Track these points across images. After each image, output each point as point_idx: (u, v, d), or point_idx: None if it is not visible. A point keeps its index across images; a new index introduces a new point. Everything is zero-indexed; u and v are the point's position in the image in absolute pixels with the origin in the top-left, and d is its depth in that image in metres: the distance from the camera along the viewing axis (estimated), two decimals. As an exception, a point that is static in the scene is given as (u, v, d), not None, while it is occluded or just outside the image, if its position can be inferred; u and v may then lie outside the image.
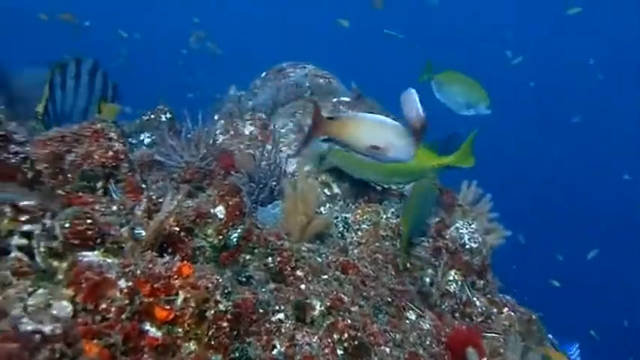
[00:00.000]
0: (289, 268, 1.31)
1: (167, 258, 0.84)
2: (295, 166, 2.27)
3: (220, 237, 1.03)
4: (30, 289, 0.73)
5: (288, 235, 1.80)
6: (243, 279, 1.22)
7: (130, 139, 2.97)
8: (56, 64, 2.28)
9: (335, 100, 2.56)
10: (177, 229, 0.99)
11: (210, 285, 0.82)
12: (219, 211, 1.04)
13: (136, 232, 0.90)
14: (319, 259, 1.52)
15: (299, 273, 1.32)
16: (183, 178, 2.11)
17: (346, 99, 2.56)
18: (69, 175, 1.11)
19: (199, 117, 2.57)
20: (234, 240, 1.07)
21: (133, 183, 1.16)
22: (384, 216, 1.97)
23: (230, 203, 1.06)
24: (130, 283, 0.75)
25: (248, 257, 1.22)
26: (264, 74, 3.76)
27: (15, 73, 4.39)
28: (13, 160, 0.87)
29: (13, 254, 0.77)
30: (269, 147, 2.39)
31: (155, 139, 3.04)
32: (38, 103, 2.25)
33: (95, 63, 2.35)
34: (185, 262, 0.85)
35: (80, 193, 1.09)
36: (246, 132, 2.54)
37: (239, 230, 1.07)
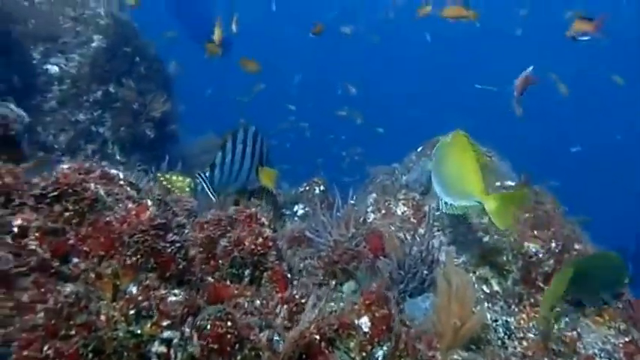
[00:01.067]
0: (440, 385, 1.14)
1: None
2: (450, 254, 2.09)
3: (364, 354, 0.92)
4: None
5: (439, 337, 1.62)
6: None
7: (284, 210, 3.06)
8: (228, 132, 2.47)
9: (498, 184, 2.35)
10: (318, 337, 0.91)
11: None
12: (364, 323, 0.94)
13: (275, 339, 0.83)
14: (474, 374, 1.32)
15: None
16: (330, 258, 2.06)
17: (510, 183, 2.33)
18: (220, 262, 1.10)
19: (350, 193, 2.56)
20: (379, 359, 0.95)
21: (280, 272, 1.12)
22: (556, 326, 1.68)
23: (377, 315, 0.95)
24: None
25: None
26: (420, 148, 3.67)
27: (185, 140, 4.90)
28: (169, 250, 0.88)
29: (152, 362, 0.74)
30: (421, 231, 2.26)
31: (308, 212, 3.10)
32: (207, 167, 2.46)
33: (256, 130, 2.48)
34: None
35: (228, 282, 1.06)
36: (399, 212, 2.44)
37: (385, 348, 0.95)
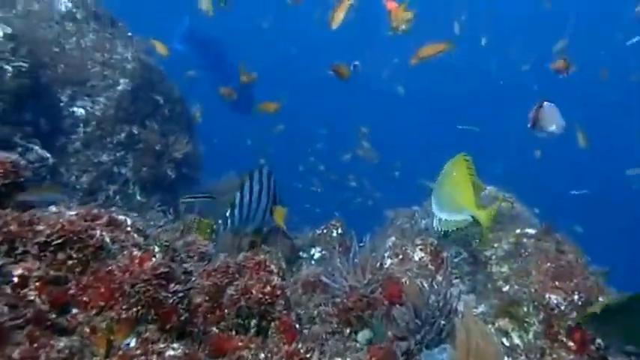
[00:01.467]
0: None
1: None
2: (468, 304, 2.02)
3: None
4: None
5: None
6: None
7: (301, 253, 3.03)
8: (246, 173, 2.53)
9: (518, 231, 2.29)
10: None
11: None
12: (372, 381, 0.89)
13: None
14: None
15: None
16: (345, 305, 2.01)
17: (531, 231, 2.27)
18: (226, 311, 1.07)
19: (367, 238, 2.52)
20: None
21: (287, 323, 1.09)
22: (579, 384, 1.59)
23: (385, 373, 0.90)
24: None
25: None
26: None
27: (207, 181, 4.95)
28: (171, 300, 0.86)
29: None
30: (439, 278, 2.20)
31: (325, 255, 3.06)
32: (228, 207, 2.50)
33: (270, 170, 2.56)
34: None
35: (233, 333, 1.03)
36: (416, 258, 2.39)
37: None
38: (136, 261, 0.85)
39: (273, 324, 1.09)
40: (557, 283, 1.94)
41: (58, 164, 3.42)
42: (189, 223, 2.91)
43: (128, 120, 3.95)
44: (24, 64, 3.22)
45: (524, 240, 2.21)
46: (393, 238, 2.82)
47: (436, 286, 2.09)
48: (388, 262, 2.45)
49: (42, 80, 3.49)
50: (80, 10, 4.17)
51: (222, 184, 5.00)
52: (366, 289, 2.14)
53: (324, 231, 3.11)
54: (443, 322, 1.93)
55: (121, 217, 1.07)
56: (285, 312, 1.15)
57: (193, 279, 1.10)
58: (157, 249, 1.06)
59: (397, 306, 1.99)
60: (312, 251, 3.04)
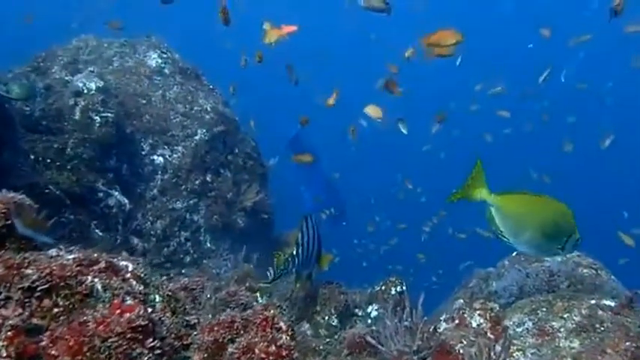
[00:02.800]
0: None
1: None
2: (529, 383, 1.79)
3: None
4: None
5: None
6: None
7: (357, 310, 2.90)
8: (303, 217, 2.58)
9: (593, 302, 2.02)
10: None
11: None
12: None
13: None
14: None
15: None
16: (387, 372, 1.86)
17: (609, 303, 2.00)
18: (224, 371, 1.01)
19: (421, 300, 2.34)
20: None
21: (293, 389, 1.00)
22: None
23: None
24: None
25: None
26: (514, 253, 3.37)
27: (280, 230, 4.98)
28: (146, 358, 0.81)
29: None
30: (498, 349, 1.98)
31: (382, 314, 2.91)
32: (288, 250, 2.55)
33: (317, 219, 2.60)
34: None
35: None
36: (474, 324, 2.18)
37: None
38: (116, 311, 0.82)
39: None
40: (636, 366, 1.67)
41: (136, 210, 3.60)
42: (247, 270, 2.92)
43: (203, 168, 4.12)
44: (111, 115, 3.49)
45: (600, 312, 1.94)
46: (461, 301, 2.63)
47: (494, 357, 1.89)
48: (443, 326, 2.26)
49: (127, 130, 3.75)
50: (168, 65, 4.50)
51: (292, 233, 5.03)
52: (415, 355, 1.98)
53: (383, 288, 2.97)
54: (497, 401, 1.72)
55: (122, 263, 1.06)
56: (291, 376, 1.07)
57: (195, 333, 1.06)
58: (157, 298, 1.03)
59: (445, 378, 1.81)
60: (369, 309, 2.90)
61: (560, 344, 1.88)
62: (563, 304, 2.07)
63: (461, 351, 2.02)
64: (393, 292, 2.91)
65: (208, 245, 4.06)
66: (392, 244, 9.83)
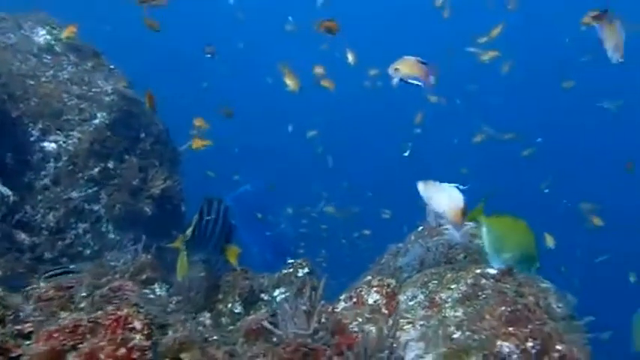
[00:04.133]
0: None
1: None
2: (416, 354, 1.84)
3: None
4: None
5: None
6: None
7: (263, 295, 2.87)
8: (204, 199, 2.55)
9: (478, 271, 2.11)
10: None
11: None
12: None
13: None
14: None
15: None
16: (280, 356, 1.84)
17: (492, 271, 2.09)
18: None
19: (322, 283, 2.32)
20: None
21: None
22: None
23: None
24: None
25: None
26: (420, 228, 3.47)
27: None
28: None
29: None
30: (390, 323, 2.02)
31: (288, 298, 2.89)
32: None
33: (226, 205, 2.56)
34: None
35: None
36: (370, 301, 2.21)
37: None
38: None
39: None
40: (511, 329, 1.75)
41: (23, 202, 3.34)
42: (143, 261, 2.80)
43: (104, 155, 3.89)
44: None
45: (483, 281, 2.03)
46: (369, 278, 2.65)
47: (386, 332, 1.92)
48: (342, 305, 2.28)
49: (11, 114, 3.45)
50: (59, 43, 4.17)
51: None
52: (311, 337, 1.97)
53: (290, 270, 2.96)
54: (386, 375, 1.75)
55: None
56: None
57: (27, 342, 0.97)
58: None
59: (335, 357, 1.81)
60: (276, 292, 2.87)
61: (447, 314, 1.95)
62: (451, 276, 2.15)
63: (355, 329, 2.04)
64: (299, 274, 2.91)
65: (112, 236, 3.86)
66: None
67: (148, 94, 3.77)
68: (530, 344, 1.70)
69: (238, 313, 2.58)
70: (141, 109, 4.38)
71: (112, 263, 3.20)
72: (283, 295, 2.84)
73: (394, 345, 1.83)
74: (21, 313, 1.04)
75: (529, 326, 1.74)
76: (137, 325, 1.04)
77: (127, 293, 1.82)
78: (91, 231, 3.68)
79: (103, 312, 1.04)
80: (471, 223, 3.06)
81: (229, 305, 2.58)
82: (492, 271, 2.08)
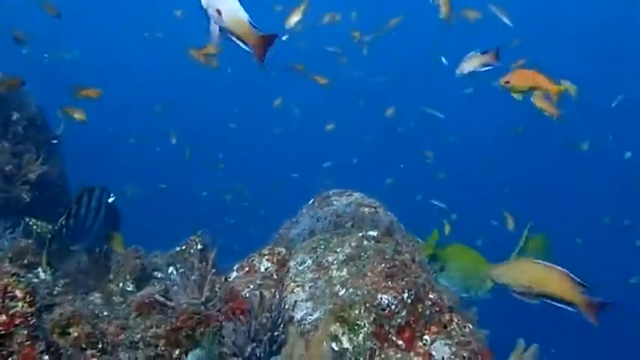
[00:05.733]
0: None
1: None
2: (305, 312, 1.96)
3: None
4: None
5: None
6: None
7: (156, 273, 2.85)
8: (83, 188, 2.48)
9: (361, 234, 2.28)
10: None
11: None
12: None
13: None
14: None
15: None
16: (173, 324, 1.88)
17: (373, 233, 2.27)
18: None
19: (212, 253, 2.37)
20: None
21: (31, 355, 0.94)
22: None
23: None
24: None
25: None
26: (311, 201, 3.61)
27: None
28: None
29: None
30: (281, 287, 2.13)
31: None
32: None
33: (107, 192, 2.52)
34: None
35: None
36: (262, 269, 2.31)
37: None
38: None
39: (10, 359, 0.94)
40: (389, 283, 1.93)
41: None
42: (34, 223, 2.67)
43: (-30, 140, 3.57)
44: None
45: (365, 242, 2.20)
46: (267, 249, 2.72)
47: (275, 297, 2.03)
48: (234, 275, 2.35)
49: None
50: None
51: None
52: (203, 306, 2.02)
53: (184, 247, 2.96)
54: (276, 334, 1.86)
55: None
56: (28, 343, 1.01)
57: None
58: None
59: (224, 323, 1.89)
60: (170, 269, 2.87)
61: (333, 274, 2.09)
62: (337, 240, 2.30)
63: (247, 295, 2.12)
64: (192, 250, 2.92)
65: (-13, 224, 3.57)
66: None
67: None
68: (406, 295, 1.90)
69: (131, 292, 2.54)
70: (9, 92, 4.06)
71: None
72: (177, 272, 2.84)
73: (284, 306, 1.94)
74: None
75: (405, 279, 1.94)
76: (18, 293, 1.04)
77: (3, 278, 1.75)
78: (-37, 220, 3.38)
79: (-20, 282, 1.03)
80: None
81: (121, 284, 2.54)
82: (374, 233, 2.26)
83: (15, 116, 4.05)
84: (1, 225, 3.68)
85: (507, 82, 2.38)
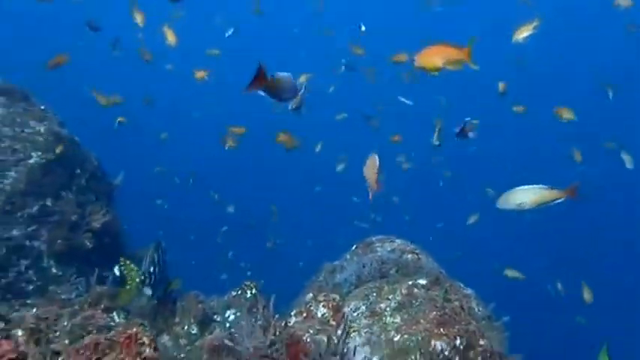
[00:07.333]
0: None
1: None
2: (363, 356, 2.13)
3: None
4: None
5: None
6: None
7: (215, 316, 3.06)
8: (156, 241, 2.86)
9: (410, 282, 2.45)
10: None
11: None
12: None
13: None
14: None
15: None
16: (245, 368, 2.08)
17: (423, 282, 2.44)
18: (93, 389, 1.13)
19: (271, 301, 2.58)
20: None
21: (158, 393, 1.15)
22: None
23: None
24: None
25: None
26: (354, 247, 3.79)
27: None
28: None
29: None
30: (339, 333, 2.31)
31: (239, 318, 3.11)
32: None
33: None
34: None
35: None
36: (319, 314, 2.49)
37: None
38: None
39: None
40: (442, 330, 2.10)
41: (-38, 243, 3.32)
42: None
43: (41, 193, 3.91)
44: None
45: (416, 290, 2.37)
46: (311, 295, 2.92)
47: (335, 341, 2.20)
48: (293, 320, 2.54)
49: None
50: (-12, 86, 4.17)
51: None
52: (269, 349, 2.21)
53: (239, 292, 3.17)
54: (339, 376, 2.03)
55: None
56: (156, 382, 1.22)
57: (61, 358, 1.16)
58: (19, 332, 1.11)
59: (295, 365, 2.07)
60: (227, 313, 3.08)
61: (387, 321, 2.27)
62: (388, 288, 2.48)
63: (308, 339, 2.31)
64: (248, 295, 3.13)
65: (54, 271, 3.87)
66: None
67: None
68: (458, 341, 2.05)
69: (195, 334, 2.76)
70: (74, 147, 4.44)
71: (63, 296, 3.24)
72: (234, 316, 3.05)
73: (344, 350, 2.12)
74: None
75: (456, 327, 2.10)
76: (145, 340, 1.26)
77: (100, 320, 1.99)
78: (33, 267, 3.69)
79: (115, 332, 1.25)
80: (399, 241, 3.47)
81: (186, 327, 2.76)
82: (423, 282, 2.43)
83: (78, 170, 4.41)
84: (68, 272, 4.00)
85: (419, 64, 2.30)
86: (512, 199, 2.43)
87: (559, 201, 2.38)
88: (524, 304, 8.68)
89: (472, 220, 6.70)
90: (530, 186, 2.40)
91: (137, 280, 2.62)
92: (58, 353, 1.17)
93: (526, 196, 2.39)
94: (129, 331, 1.25)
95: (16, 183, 3.77)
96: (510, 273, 5.20)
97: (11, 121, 4.01)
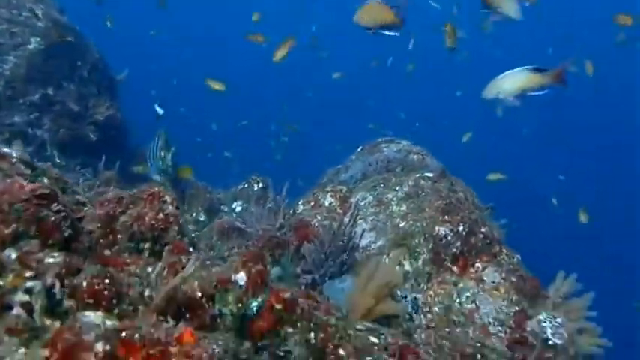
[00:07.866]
0: (332, 346, 1.24)
1: (171, 323, 0.83)
2: (369, 240, 2.21)
3: (240, 305, 1.00)
4: (14, 348, 0.75)
5: (352, 311, 1.72)
6: (281, 353, 1.17)
7: (223, 207, 3.13)
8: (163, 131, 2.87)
9: (417, 175, 2.48)
10: (200, 294, 0.99)
11: (204, 354, 0.79)
12: (241, 277, 1.02)
13: (147, 294, 0.91)
14: (374, 339, 1.42)
15: (342, 352, 1.24)
16: (255, 245, 2.14)
17: (429, 175, 2.47)
18: (118, 236, 1.16)
19: (284, 188, 2.63)
20: (254, 309, 1.03)
21: (181, 246, 1.19)
22: (458, 300, 1.81)
23: (252, 270, 1.03)
24: (108, 347, 0.74)
25: (290, 330, 1.17)
26: (359, 148, 3.80)
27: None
28: (53, 218, 0.94)
29: (14, 311, 0.80)
30: (346, 220, 2.36)
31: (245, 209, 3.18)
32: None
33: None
34: (189, 329, 0.83)
35: (125, 254, 1.13)
36: (326, 204, 2.54)
37: (259, 299, 1.04)
38: (17, 185, 0.91)
39: (166, 248, 1.18)
40: (446, 217, 2.15)
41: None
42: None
43: (42, 81, 3.83)
44: None
45: (422, 182, 2.40)
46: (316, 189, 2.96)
47: (342, 227, 2.26)
48: (301, 208, 2.60)
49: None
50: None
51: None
52: (277, 231, 2.28)
53: (245, 186, 3.22)
54: (345, 257, 2.11)
55: (7, 150, 1.12)
56: (178, 237, 1.26)
57: (86, 209, 1.18)
58: (45, 181, 1.12)
59: (305, 243, 2.14)
60: (234, 205, 3.14)
61: (393, 209, 2.32)
62: (395, 180, 2.51)
63: (316, 224, 2.37)
64: (255, 188, 3.18)
65: (58, 161, 3.89)
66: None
67: None
68: (461, 227, 2.11)
69: (203, 221, 2.83)
70: (75, 36, 4.28)
71: (72, 181, 3.27)
72: (240, 208, 3.12)
73: (352, 234, 2.18)
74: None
75: (460, 214, 2.15)
76: (168, 198, 1.28)
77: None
78: (37, 155, 3.69)
79: (138, 190, 1.27)
80: (405, 142, 3.47)
81: (194, 215, 2.83)
82: (429, 175, 2.46)
83: (79, 61, 4.29)
84: (72, 162, 4.01)
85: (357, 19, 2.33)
86: (494, 87, 2.29)
87: (544, 92, 2.24)
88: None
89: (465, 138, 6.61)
90: (515, 69, 2.26)
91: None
92: (83, 204, 1.19)
93: (509, 83, 2.26)
94: (151, 190, 1.26)
95: (17, 68, 3.68)
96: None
97: (6, 2, 3.83)
